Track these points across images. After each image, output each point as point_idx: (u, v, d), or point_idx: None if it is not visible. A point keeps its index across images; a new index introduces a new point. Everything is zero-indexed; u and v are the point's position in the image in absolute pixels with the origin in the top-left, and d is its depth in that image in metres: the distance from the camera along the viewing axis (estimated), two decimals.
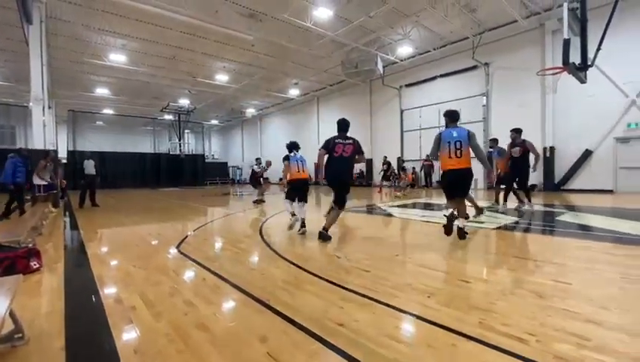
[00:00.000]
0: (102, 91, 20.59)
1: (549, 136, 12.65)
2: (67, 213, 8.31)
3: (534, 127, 12.94)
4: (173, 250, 4.10)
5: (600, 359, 1.58)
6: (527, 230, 5.08)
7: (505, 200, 7.35)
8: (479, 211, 5.86)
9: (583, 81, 6.50)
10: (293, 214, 5.28)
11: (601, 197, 10.10)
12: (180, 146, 26.25)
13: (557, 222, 5.66)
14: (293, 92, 22.38)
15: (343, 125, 4.87)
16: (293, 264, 3.34)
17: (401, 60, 16.21)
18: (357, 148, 4.70)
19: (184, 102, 23.46)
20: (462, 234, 4.19)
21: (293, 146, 5.57)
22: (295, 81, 20.22)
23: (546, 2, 11.55)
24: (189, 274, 3.14)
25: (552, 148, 12.65)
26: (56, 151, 12.33)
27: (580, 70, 5.92)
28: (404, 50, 15.13)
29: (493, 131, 14.46)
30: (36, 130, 9.95)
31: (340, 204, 4.46)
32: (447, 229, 4.35)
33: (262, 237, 4.79)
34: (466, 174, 4.20)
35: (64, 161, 22.36)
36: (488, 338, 1.78)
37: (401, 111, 18.41)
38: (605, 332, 1.83)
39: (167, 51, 15.02)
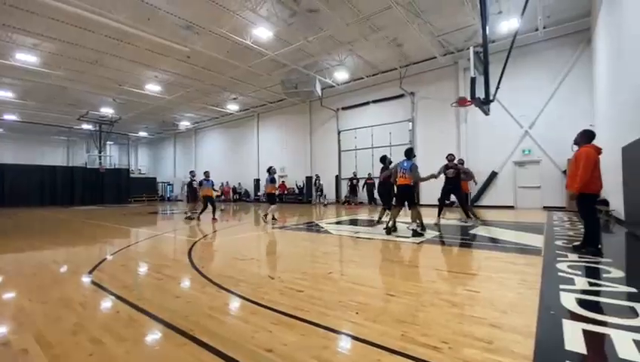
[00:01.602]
0: (3, 94, 17.61)
1: (463, 158, 14.34)
2: None
3: (452, 149, 14.59)
4: (83, 279, 3.58)
5: (499, 360, 1.78)
6: (447, 243, 5.60)
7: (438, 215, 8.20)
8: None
9: (486, 113, 7.59)
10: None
11: (505, 212, 11.68)
12: (100, 159, 23.52)
13: (471, 236, 6.36)
14: (232, 107, 21.90)
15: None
16: (223, 288, 3.17)
17: (338, 85, 17.09)
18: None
19: (107, 111, 21.23)
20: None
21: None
22: (234, 96, 19.85)
23: (459, 44, 13.37)
24: (99, 307, 2.76)
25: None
26: None
27: (484, 104, 6.90)
28: (341, 75, 16.00)
29: (418, 153, 15.89)
30: None
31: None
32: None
33: (191, 260, 4.46)
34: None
35: None
36: (409, 350, 1.89)
37: (339, 132, 19.22)
38: (504, 335, 2.08)
39: (88, 55, 13.57)
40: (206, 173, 11.34)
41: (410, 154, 6.62)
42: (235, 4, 10.23)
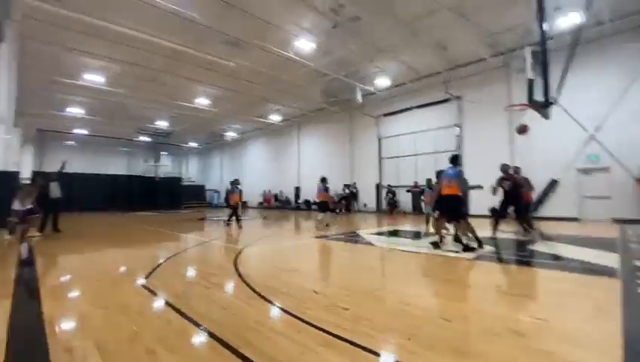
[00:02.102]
0: (75, 110, 19.89)
1: (519, 166, 13.26)
2: (26, 240, 7.66)
3: (503, 157, 13.59)
4: (140, 285, 3.79)
5: None
6: (503, 260, 5.14)
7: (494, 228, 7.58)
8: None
9: (546, 117, 6.94)
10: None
11: (568, 224, 10.54)
12: (156, 169, 25.46)
13: (530, 252, 5.79)
14: (275, 117, 22.56)
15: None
16: (268, 301, 3.16)
17: (379, 91, 16.83)
18: None
19: (162, 124, 23.04)
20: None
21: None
22: (277, 107, 20.45)
23: (511, 44, 12.50)
24: (154, 315, 2.88)
25: None
26: (17, 173, 11.56)
27: (543, 107, 6.32)
28: (382, 81, 15.76)
29: (467, 161, 15.05)
30: None
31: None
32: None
33: (236, 268, 4.56)
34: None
35: (27, 182, 21.07)
36: None
37: (379, 139, 18.89)
38: None
39: (147, 74, 14.86)
40: (234, 181, 11.95)
41: (455, 161, 6.21)
42: (279, 18, 10.57)
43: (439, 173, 8.28)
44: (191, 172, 34.56)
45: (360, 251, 6.20)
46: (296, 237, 8.38)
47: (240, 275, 4.21)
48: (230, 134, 27.68)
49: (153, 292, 3.50)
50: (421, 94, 16.77)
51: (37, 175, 21.86)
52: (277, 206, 24.97)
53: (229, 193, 12.01)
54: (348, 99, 16.45)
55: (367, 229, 9.63)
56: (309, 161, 23.50)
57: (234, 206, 11.39)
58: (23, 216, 8.21)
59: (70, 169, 23.99)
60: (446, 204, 5.99)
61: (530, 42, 11.52)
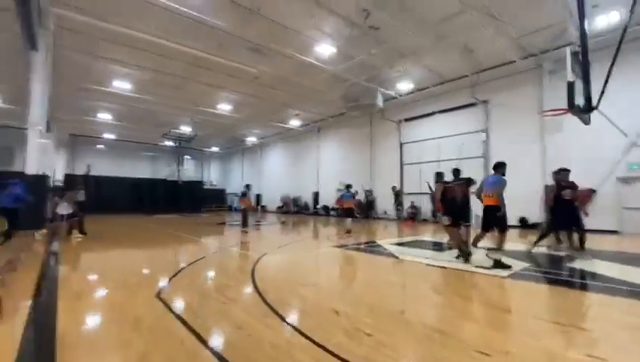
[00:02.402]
0: (104, 116, 20.71)
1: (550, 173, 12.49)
2: (52, 243, 7.88)
3: (534, 164, 12.87)
4: (155, 297, 3.69)
5: None
6: (541, 280, 4.69)
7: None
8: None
9: (586, 122, 6.41)
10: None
11: (608, 238, 9.75)
12: (179, 173, 26.07)
13: (571, 270, 5.29)
14: (294, 122, 22.59)
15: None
16: (285, 321, 2.95)
17: (401, 95, 16.44)
18: None
19: (186, 129, 23.61)
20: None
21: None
22: (296, 112, 20.45)
23: (543, 45, 11.84)
24: (166, 333, 2.74)
25: None
26: (47, 176, 12.03)
27: (584, 112, 5.82)
28: (404, 85, 15.38)
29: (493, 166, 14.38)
30: (32, 156, 9.76)
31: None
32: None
33: (253, 281, 4.39)
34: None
35: (60, 184, 22.13)
36: None
37: (401, 145, 18.44)
38: None
39: (171, 81, 15.20)
40: (247, 186, 12.21)
41: (498, 168, 5.48)
42: (300, 24, 10.50)
43: (439, 175, 7.83)
44: (212, 176, 35.21)
45: (382, 264, 5.90)
46: (314, 246, 8.17)
47: (257, 288, 4.04)
48: (250, 139, 27.99)
49: (168, 306, 3.38)
50: (445, 98, 16.25)
51: (69, 177, 22.96)
52: (295, 211, 24.90)
53: (240, 197, 12.11)
54: (369, 103, 16.13)
55: (388, 239, 9.28)
56: (328, 167, 23.33)
57: (244, 209, 11.44)
58: (66, 218, 8.82)
59: (98, 172, 25.13)
60: (485, 215, 5.52)
61: (565, 43, 10.90)
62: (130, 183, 25.51)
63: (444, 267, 5.35)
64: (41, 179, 9.90)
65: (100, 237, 9.18)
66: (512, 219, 11.39)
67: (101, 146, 28.06)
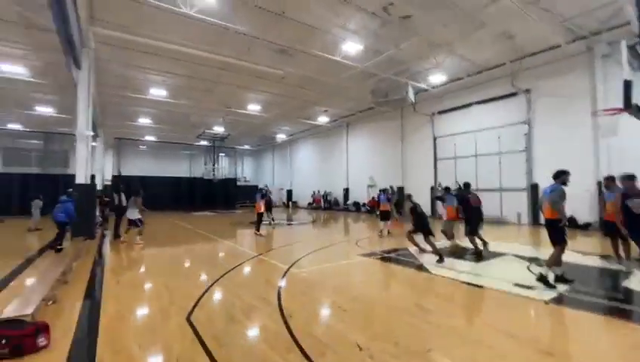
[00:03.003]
0: (144, 121, 21.93)
1: (603, 169, 11.30)
2: (100, 250, 8.52)
3: (585, 157, 11.71)
4: (184, 320, 3.81)
5: None
6: (595, 306, 4.22)
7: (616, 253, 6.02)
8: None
9: None
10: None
11: None
12: (214, 171, 27.12)
13: (626, 292, 4.73)
14: (323, 119, 22.44)
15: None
16: (307, 357, 2.90)
17: (433, 87, 15.64)
18: None
19: (219, 129, 24.37)
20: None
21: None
22: (324, 108, 20.27)
23: (594, 26, 10.59)
24: None
25: None
26: (93, 177, 12.96)
27: None
28: (436, 77, 14.58)
29: (537, 162, 13.33)
30: (80, 165, 10.47)
31: None
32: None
33: (279, 301, 4.39)
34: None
35: (107, 183, 23.94)
36: None
37: (434, 139, 17.65)
38: None
39: (203, 85, 15.66)
40: (259, 191, 12.39)
41: (558, 177, 4.98)
42: (325, 23, 10.25)
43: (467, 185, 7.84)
44: (246, 172, 36.21)
45: (412, 281, 5.67)
46: (343, 254, 8.07)
47: (282, 311, 4.03)
48: (280, 136, 28.32)
49: (196, 331, 3.46)
50: (482, 89, 15.22)
51: (115, 178, 24.69)
52: (326, 207, 24.94)
53: (257, 200, 11.89)
54: (399, 98, 15.58)
55: (421, 245, 8.91)
56: (358, 162, 23.01)
57: (259, 213, 11.51)
58: (135, 224, 9.26)
59: (141, 172, 26.77)
60: (547, 229, 5.10)
61: (621, 22, 9.67)
62: (169, 182, 26.98)
63: (480, 286, 5.02)
64: (89, 188, 10.64)
65: (143, 243, 9.72)
66: None
67: (143, 147, 29.85)
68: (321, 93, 16.79)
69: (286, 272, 5.98)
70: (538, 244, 8.93)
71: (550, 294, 4.53)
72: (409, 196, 7.74)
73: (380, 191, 12.08)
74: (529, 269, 5.97)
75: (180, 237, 11.16)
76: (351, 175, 23.76)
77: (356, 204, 22.58)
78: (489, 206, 14.43)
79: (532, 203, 13.35)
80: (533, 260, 6.65)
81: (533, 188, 13.23)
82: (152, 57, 12.47)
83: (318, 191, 25.94)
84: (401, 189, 18.51)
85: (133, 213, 9.32)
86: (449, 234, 8.01)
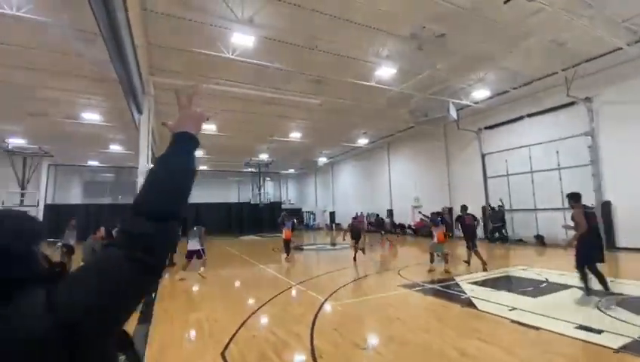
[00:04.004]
0: (197, 153, 23.74)
1: None
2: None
3: None
4: (219, 353, 3.93)
5: None
6: None
7: None
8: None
9: None
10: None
11: None
12: (260, 196, 28.30)
13: None
14: (362, 141, 22.48)
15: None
16: None
17: (476, 103, 14.92)
18: None
19: (264, 156, 25.59)
20: None
21: None
22: (363, 130, 20.32)
23: None
24: None
25: None
26: None
27: None
28: (479, 93, 13.94)
29: (607, 177, 11.86)
30: None
31: None
32: None
33: (312, 340, 4.33)
34: None
35: None
36: None
37: (483, 156, 16.61)
38: None
39: (248, 118, 16.68)
40: (285, 215, 12.23)
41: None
42: (357, 52, 10.49)
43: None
44: (290, 195, 37.17)
45: (454, 318, 5.24)
46: (383, 285, 7.77)
47: (313, 351, 3.96)
48: (321, 159, 28.77)
49: None
50: (532, 100, 14.17)
51: None
52: (370, 229, 24.42)
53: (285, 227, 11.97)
54: (440, 116, 15.06)
55: (469, 274, 8.27)
56: (402, 183, 22.42)
57: (286, 240, 11.63)
58: (197, 255, 8.82)
59: (197, 200, 28.81)
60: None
61: None
62: (219, 208, 28.76)
63: (536, 328, 4.46)
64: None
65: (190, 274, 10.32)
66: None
67: (198, 177, 32.32)
68: (358, 116, 16.92)
69: (322, 305, 5.91)
70: (615, 275, 7.72)
71: (622, 340, 3.88)
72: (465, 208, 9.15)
73: (433, 214, 10.62)
74: (599, 307, 5.19)
75: (225, 264, 11.67)
76: (395, 196, 23.16)
77: (401, 226, 21.79)
78: (550, 227, 13.03)
79: (606, 223, 11.73)
80: (605, 295, 5.78)
81: (605, 206, 11.66)
82: (203, 98, 13.69)
83: (361, 213, 25.60)
84: (449, 210, 17.56)
85: (195, 243, 8.95)
86: (436, 257, 8.76)
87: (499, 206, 15.04)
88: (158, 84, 11.63)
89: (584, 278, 5.53)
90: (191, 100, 0.93)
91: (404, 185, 22.07)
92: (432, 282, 7.44)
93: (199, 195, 30.48)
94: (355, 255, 11.09)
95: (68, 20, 7.36)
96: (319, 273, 9.41)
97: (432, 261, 8.73)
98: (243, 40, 9.08)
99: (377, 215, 21.46)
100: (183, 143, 0.83)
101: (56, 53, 9.42)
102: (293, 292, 7.17)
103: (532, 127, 14.35)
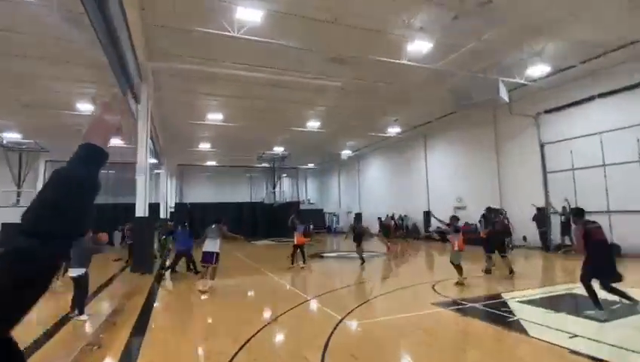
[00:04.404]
0: (204, 146, 24.47)
1: None
2: (152, 288, 9.50)
3: None
4: None
5: None
6: None
7: None
8: None
9: None
10: None
11: None
12: (275, 195, 28.64)
13: None
14: (393, 130, 22.08)
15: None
16: None
17: (533, 81, 14.16)
18: None
19: (278, 149, 25.83)
20: None
21: None
22: (394, 118, 19.93)
23: None
24: None
25: None
26: (156, 209, 14.65)
27: None
28: (537, 69, 13.17)
29: None
30: (139, 197, 12.01)
31: None
32: None
33: None
34: None
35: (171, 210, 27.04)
36: None
37: (541, 145, 15.81)
38: None
39: (258, 105, 16.84)
40: (295, 217, 12.46)
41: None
42: (384, 24, 10.22)
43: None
44: (309, 193, 37.30)
45: (499, 347, 4.97)
46: (414, 301, 7.55)
47: None
48: (345, 152, 28.54)
49: None
50: (607, 77, 13.27)
51: (180, 206, 27.76)
52: (402, 235, 24.05)
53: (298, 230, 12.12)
54: (487, 99, 14.43)
55: (522, 291, 7.87)
56: (441, 179, 21.90)
57: (297, 246, 11.82)
58: (209, 260, 8.43)
59: (203, 198, 29.61)
60: None
61: None
62: (229, 208, 29.35)
63: (597, 360, 4.14)
64: (148, 221, 12.10)
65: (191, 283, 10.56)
66: None
67: (207, 173, 33.20)
68: (388, 101, 16.60)
69: (338, 324, 5.81)
70: None
71: None
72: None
73: (486, 209, 11.08)
74: None
75: (233, 273, 11.83)
76: (432, 195, 22.63)
77: (441, 233, 21.24)
78: (629, 235, 12.20)
79: None
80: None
81: None
82: (206, 82, 13.95)
83: (392, 215, 25.24)
84: (496, 212, 16.92)
85: (214, 244, 8.50)
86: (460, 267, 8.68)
87: (562, 208, 14.27)
88: (157, 69, 11.92)
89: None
90: (108, 107, 0.93)
91: (444, 183, 21.51)
92: (474, 300, 7.15)
93: (205, 194, 31.36)
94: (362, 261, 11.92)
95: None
96: (338, 285, 9.33)
97: (460, 273, 8.62)
98: (249, 15, 9.08)
99: (391, 216, 20.91)
100: (82, 157, 0.83)
101: (49, 38, 9.85)
102: (306, 307, 7.14)
103: (604, 109, 13.45)
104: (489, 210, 10.73)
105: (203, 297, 8.21)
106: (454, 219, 9.42)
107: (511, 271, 9.20)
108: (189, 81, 13.77)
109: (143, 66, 11.12)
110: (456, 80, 14.26)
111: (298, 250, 12.03)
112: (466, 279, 8.58)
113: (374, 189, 28.85)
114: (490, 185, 18.18)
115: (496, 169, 18.02)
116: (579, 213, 6.24)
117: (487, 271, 9.68)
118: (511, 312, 6.21)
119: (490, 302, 6.99)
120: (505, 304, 6.74)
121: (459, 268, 8.63)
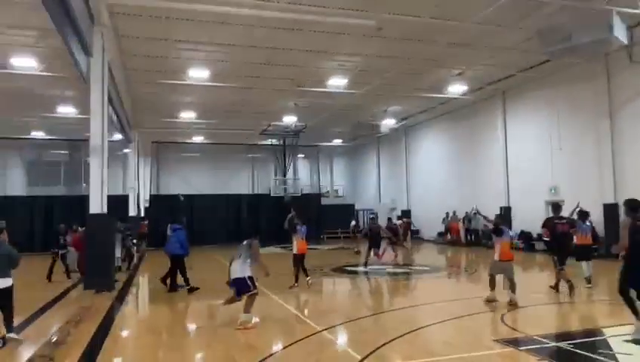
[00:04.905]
0: (187, 115, 25.00)
1: None
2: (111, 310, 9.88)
3: None
4: None
5: None
6: None
7: None
8: None
9: None
10: None
11: None
12: (286, 184, 28.95)
13: None
14: (457, 88, 21.80)
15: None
16: None
17: None
18: None
19: (290, 119, 26.01)
20: None
21: None
22: (457, 70, 19.57)
23: None
24: None
25: None
26: (114, 219, 15.05)
27: None
28: None
29: None
30: (94, 188, 12.42)
31: None
32: None
33: None
34: None
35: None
36: None
37: None
38: None
39: (258, 56, 16.93)
40: (294, 216, 12.81)
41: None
42: None
43: None
44: (336, 182, 37.43)
45: None
46: (468, 338, 7.46)
47: None
48: (387, 122, 28.26)
49: None
50: None
51: (156, 199, 28.68)
52: (469, 241, 24.00)
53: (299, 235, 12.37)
54: (594, 40, 13.88)
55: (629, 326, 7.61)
56: (526, 160, 21.46)
57: (298, 256, 11.97)
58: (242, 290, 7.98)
59: (190, 190, 30.39)
60: None
61: None
62: (220, 202, 30.07)
63: None
64: (107, 222, 12.52)
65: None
66: None
67: (193, 154, 33.92)
68: (447, 45, 16.29)
69: None
70: None
71: None
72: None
73: (577, 212, 11.98)
74: None
75: (221, 292, 12.07)
76: (513, 183, 22.22)
77: (526, 238, 20.94)
78: None
79: None
80: None
81: None
82: (184, 24, 14.08)
83: (454, 214, 25.06)
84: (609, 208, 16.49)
85: (241, 269, 8.01)
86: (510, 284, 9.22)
87: None
88: (115, 7, 12.13)
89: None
90: None
91: (530, 165, 21.11)
92: (562, 337, 6.98)
93: (191, 183, 32.10)
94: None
95: None
96: (363, 312, 9.32)
97: (492, 287, 9.34)
98: None
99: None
100: None
101: None
102: (314, 342, 7.20)
103: None
104: (556, 207, 11.97)
105: (192, 327, 8.44)
106: (499, 217, 10.66)
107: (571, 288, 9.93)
108: (160, 23, 13.92)
109: (95, 5, 11.35)
110: (547, 12, 13.79)
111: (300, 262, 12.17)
112: (516, 304, 8.93)
113: (431, 175, 28.69)
114: (598, 168, 17.82)
115: (609, 145, 17.50)
116: (635, 204, 6.59)
117: (554, 287, 10.75)
118: (613, 356, 6.00)
119: (583, 339, 6.84)
120: (605, 343, 6.54)
121: (511, 284, 9.14)
